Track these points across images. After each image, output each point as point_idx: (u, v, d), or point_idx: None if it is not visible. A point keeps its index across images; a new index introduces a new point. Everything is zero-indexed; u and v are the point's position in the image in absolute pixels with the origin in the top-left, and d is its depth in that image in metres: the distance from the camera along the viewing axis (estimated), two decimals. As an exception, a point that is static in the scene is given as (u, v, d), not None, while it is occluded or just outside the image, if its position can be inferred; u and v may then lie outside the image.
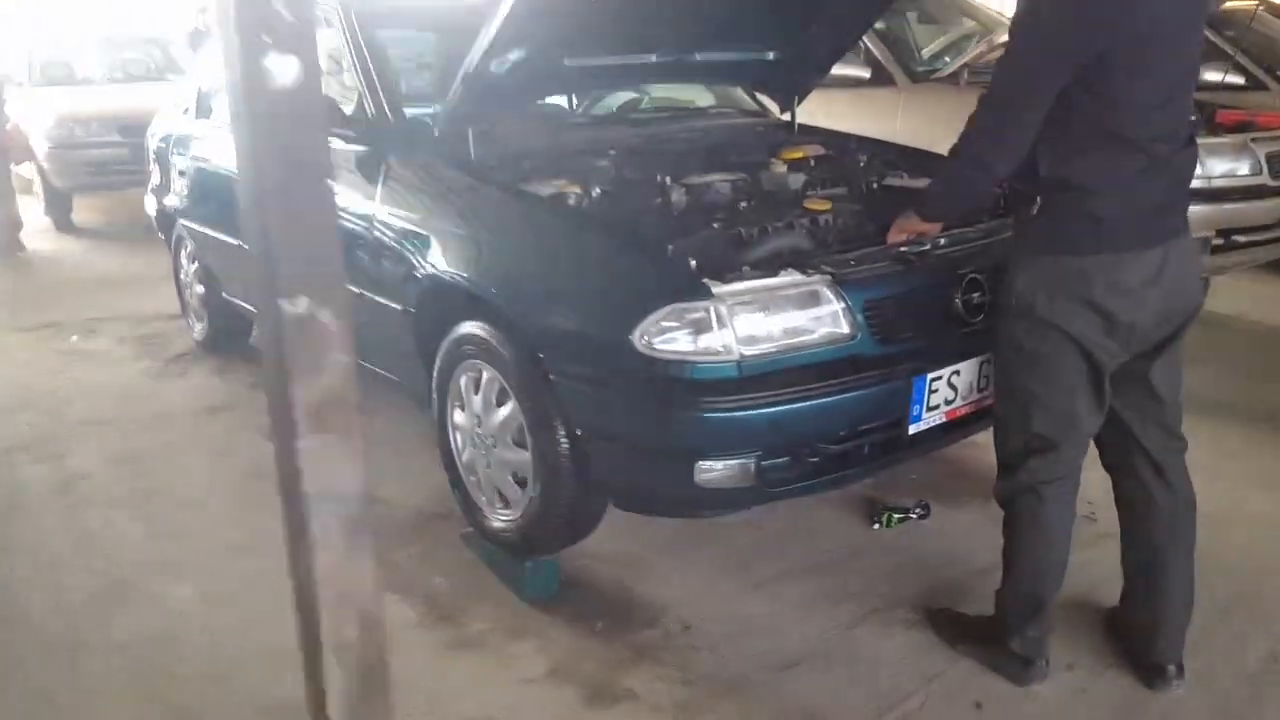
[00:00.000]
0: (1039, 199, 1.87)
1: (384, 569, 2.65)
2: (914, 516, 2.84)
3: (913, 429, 2.17)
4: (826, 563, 2.65)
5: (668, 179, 2.56)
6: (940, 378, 2.17)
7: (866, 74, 4.68)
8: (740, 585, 2.55)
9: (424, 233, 2.55)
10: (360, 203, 2.78)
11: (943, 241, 2.32)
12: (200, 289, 4.28)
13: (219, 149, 3.75)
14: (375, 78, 2.83)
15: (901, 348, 2.14)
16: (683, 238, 2.19)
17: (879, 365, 2.09)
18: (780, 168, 2.81)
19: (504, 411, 2.39)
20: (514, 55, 2.36)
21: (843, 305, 2.07)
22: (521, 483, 2.41)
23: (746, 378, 1.99)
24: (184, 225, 4.19)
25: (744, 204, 2.57)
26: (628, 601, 2.49)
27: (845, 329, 2.07)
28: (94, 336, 4.75)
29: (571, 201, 2.43)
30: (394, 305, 2.69)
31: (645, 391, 2.02)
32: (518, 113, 2.86)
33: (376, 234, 2.71)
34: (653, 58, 2.75)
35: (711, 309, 1.97)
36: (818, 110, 3.52)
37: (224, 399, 3.92)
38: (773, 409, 1.98)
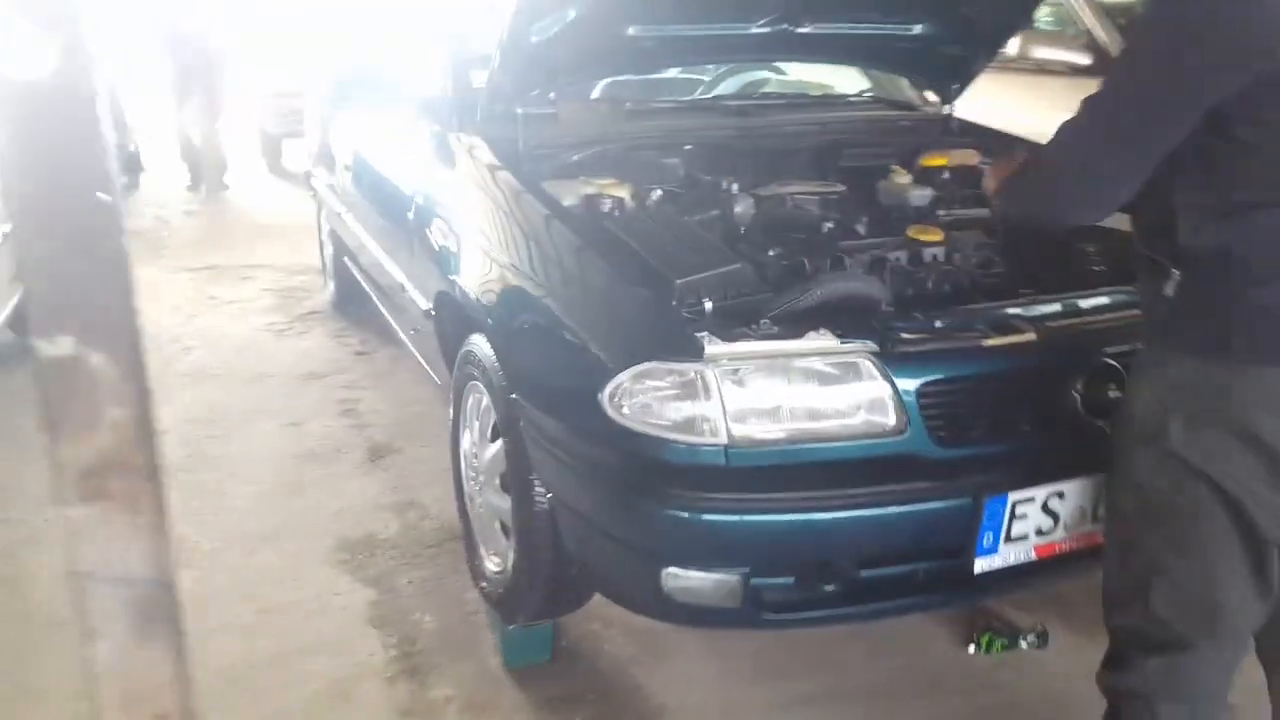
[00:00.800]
0: (1176, 274, 1.22)
1: (382, 594, 2.48)
2: (1025, 645, 2.18)
3: (981, 564, 1.57)
4: (891, 688, 2.07)
5: (734, 186, 2.04)
6: (1030, 500, 1.55)
7: (1085, 60, 3.79)
8: (769, 699, 2.03)
9: (446, 223, 2.19)
10: (411, 183, 2.48)
11: (1082, 305, 1.68)
12: (330, 249, 4.20)
13: (339, 112, 3.60)
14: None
15: (973, 451, 1.54)
16: (713, 269, 1.67)
17: (934, 475, 1.51)
18: (902, 178, 2.19)
19: (494, 448, 2.00)
20: (557, 20, 1.92)
21: (889, 386, 1.50)
22: (508, 533, 2.02)
23: (737, 469, 1.48)
24: (315, 184, 4.11)
25: (829, 224, 2.00)
26: (624, 695, 2.05)
27: (890, 419, 1.50)
28: (244, 283, 4.81)
29: (606, 208, 1.96)
30: (421, 303, 2.36)
31: (607, 466, 1.55)
32: (590, 92, 2.41)
33: (417, 221, 2.39)
34: (750, 28, 2.19)
35: (699, 374, 1.47)
36: (1014, 102, 2.83)
37: (326, 365, 3.81)
38: (768, 516, 1.47)
